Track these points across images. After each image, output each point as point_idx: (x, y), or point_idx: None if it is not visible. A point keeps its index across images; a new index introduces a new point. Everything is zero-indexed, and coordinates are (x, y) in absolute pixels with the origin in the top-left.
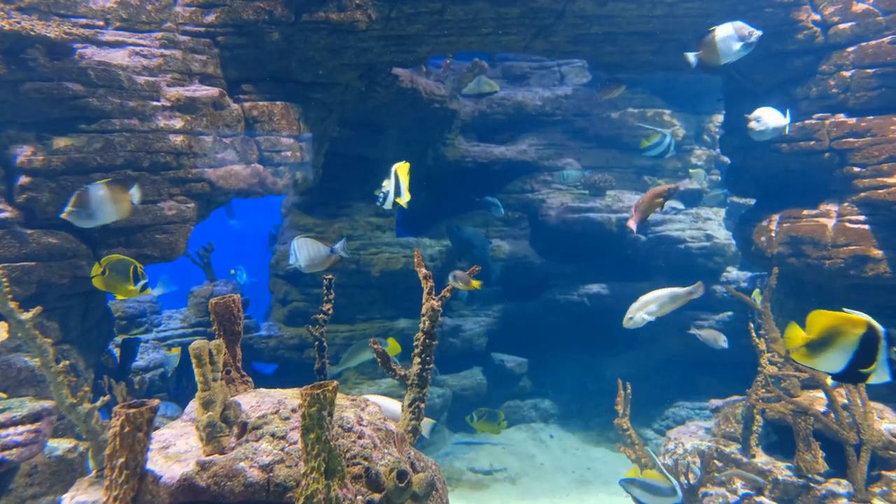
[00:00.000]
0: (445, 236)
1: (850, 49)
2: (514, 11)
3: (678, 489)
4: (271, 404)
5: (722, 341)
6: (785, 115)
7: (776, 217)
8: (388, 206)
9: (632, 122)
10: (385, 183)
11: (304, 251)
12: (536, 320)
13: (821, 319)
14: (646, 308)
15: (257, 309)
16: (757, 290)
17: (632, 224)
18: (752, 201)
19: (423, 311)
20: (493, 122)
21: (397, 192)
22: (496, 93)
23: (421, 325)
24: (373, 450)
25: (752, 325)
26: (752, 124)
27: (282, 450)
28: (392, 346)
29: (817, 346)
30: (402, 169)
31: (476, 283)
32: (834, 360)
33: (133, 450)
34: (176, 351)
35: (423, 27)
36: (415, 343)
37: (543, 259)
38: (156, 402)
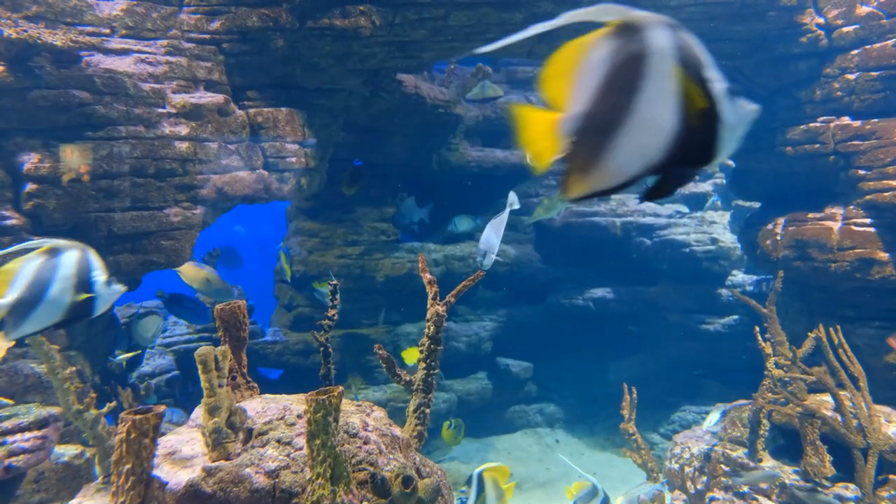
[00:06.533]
0: (451, 242)
1: (855, 52)
2: (518, 17)
3: (593, 481)
4: (277, 410)
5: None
6: None
7: (781, 220)
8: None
9: None
10: None
11: None
12: (541, 325)
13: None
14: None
15: (263, 315)
16: None
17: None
18: (756, 205)
19: (428, 316)
20: (497, 127)
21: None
22: (500, 97)
23: (426, 331)
24: (378, 455)
25: (757, 328)
26: None
27: (287, 455)
28: (411, 354)
29: None
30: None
31: None
32: None
33: (139, 456)
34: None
35: (427, 33)
36: (420, 348)
37: (548, 263)
38: (162, 408)
